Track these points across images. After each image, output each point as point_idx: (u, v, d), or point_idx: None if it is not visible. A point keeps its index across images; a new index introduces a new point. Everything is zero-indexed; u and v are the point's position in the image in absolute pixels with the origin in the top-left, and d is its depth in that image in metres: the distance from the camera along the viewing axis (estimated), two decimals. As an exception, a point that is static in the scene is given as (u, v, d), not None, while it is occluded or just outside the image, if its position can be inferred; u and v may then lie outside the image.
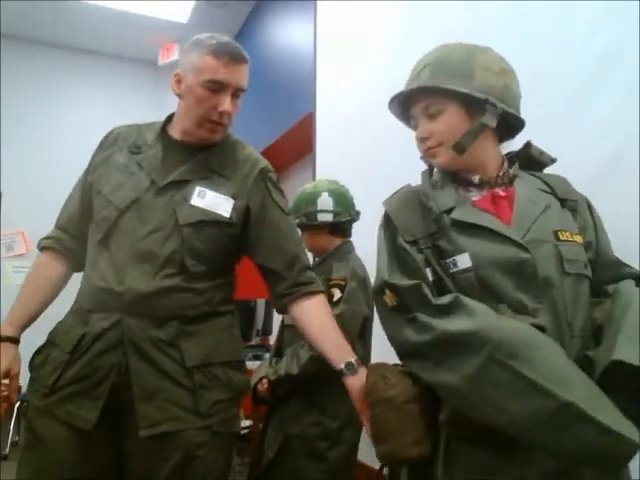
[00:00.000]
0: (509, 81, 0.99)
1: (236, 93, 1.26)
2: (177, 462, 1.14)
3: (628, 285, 0.93)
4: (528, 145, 1.04)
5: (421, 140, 1.01)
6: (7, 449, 3.43)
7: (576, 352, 0.88)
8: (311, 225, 1.87)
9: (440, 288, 0.92)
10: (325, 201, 1.86)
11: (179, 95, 1.30)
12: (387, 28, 2.60)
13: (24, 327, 1.29)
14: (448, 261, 0.91)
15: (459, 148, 0.96)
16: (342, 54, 3.04)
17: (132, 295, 1.17)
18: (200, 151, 1.29)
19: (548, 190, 1.00)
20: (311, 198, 1.88)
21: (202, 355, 1.20)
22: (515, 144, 1.07)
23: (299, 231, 1.76)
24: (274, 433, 1.78)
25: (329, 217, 1.85)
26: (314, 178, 3.13)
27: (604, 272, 0.97)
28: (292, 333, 1.83)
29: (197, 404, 1.17)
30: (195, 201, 1.23)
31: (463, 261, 0.90)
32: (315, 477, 1.68)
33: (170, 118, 1.37)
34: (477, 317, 0.82)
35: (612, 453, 0.72)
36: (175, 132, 1.32)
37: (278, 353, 1.88)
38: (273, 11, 4.37)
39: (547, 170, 1.08)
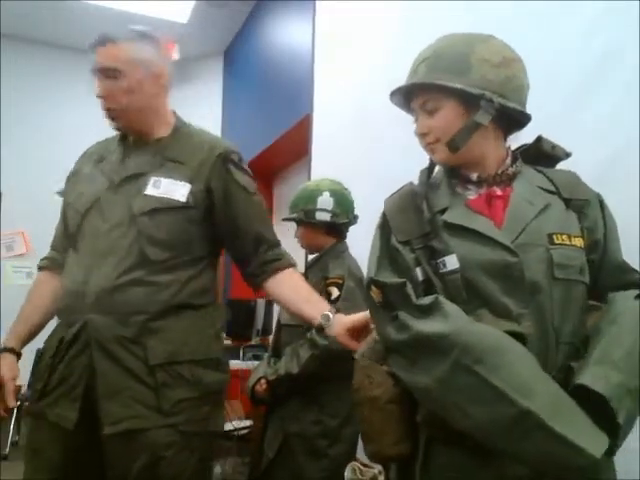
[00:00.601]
0: (512, 72, 0.93)
1: (105, 74, 1.26)
2: (145, 463, 1.15)
3: (625, 297, 0.89)
4: (539, 139, 1.01)
5: (420, 136, 0.99)
6: (7, 449, 3.43)
7: (563, 359, 0.86)
8: (308, 222, 1.87)
9: (429, 288, 0.92)
10: (326, 200, 1.86)
11: None
12: (385, 29, 2.60)
13: (25, 342, 1.35)
14: (438, 262, 0.91)
15: (453, 146, 0.94)
16: (340, 55, 3.04)
17: (96, 293, 1.19)
18: (153, 144, 1.33)
19: (552, 189, 0.95)
20: (312, 196, 1.88)
21: (166, 353, 1.20)
22: (522, 139, 1.07)
23: (294, 225, 1.79)
24: (274, 433, 1.78)
25: (327, 217, 1.86)
26: (309, 180, 3.13)
27: (609, 276, 0.93)
28: (290, 333, 1.83)
29: (160, 402, 1.17)
30: (150, 191, 1.25)
31: (451, 262, 0.90)
32: (316, 475, 1.68)
33: None
34: (450, 320, 0.83)
35: (568, 463, 0.73)
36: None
37: (276, 353, 1.88)
38: (273, 11, 4.37)
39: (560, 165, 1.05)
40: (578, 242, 0.91)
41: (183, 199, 1.25)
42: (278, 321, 1.93)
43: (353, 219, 1.94)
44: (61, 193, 1.43)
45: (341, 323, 1.22)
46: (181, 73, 6.73)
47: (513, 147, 1.04)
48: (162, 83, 1.33)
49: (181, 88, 5.61)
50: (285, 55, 4.10)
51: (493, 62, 0.92)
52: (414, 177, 1.10)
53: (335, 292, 1.73)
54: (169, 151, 1.31)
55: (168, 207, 1.24)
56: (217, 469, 2.91)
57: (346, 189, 1.96)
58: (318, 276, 1.83)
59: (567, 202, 0.95)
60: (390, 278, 0.93)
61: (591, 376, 0.77)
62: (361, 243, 2.01)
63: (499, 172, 0.97)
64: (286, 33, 4.14)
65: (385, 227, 1.00)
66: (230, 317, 3.63)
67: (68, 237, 1.33)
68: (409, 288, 0.90)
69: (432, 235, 0.93)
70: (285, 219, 1.97)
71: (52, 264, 1.42)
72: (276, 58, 4.27)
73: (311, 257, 2.01)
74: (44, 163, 4.98)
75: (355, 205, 1.97)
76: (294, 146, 4.01)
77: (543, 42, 1.65)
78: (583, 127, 1.48)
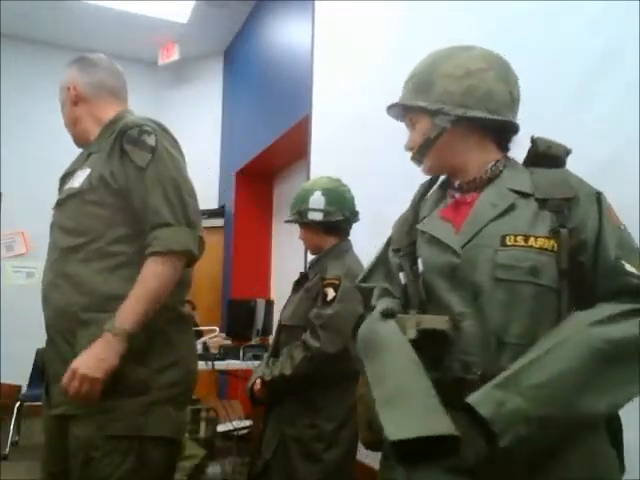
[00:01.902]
0: (476, 81, 0.98)
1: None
2: (81, 460, 1.19)
3: (579, 322, 0.84)
4: (533, 141, 1.02)
5: (407, 149, 1.07)
6: (7, 449, 3.42)
7: (509, 359, 0.87)
8: (303, 223, 1.89)
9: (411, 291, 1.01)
10: (317, 200, 1.86)
11: None
12: (385, 30, 2.60)
13: None
14: (414, 267, 1.00)
15: (414, 160, 1.03)
16: (340, 55, 3.04)
17: (43, 288, 1.32)
18: (90, 144, 1.42)
19: (526, 191, 0.95)
20: (305, 196, 1.89)
21: (92, 343, 1.17)
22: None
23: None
24: (271, 434, 1.78)
25: (319, 216, 1.85)
26: (309, 179, 3.14)
27: (603, 279, 0.89)
28: (289, 333, 1.83)
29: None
30: (67, 185, 1.35)
31: (420, 266, 0.98)
32: (311, 478, 1.68)
33: None
34: (367, 318, 0.99)
35: (388, 446, 0.80)
36: None
37: (275, 353, 1.88)
38: (273, 11, 4.37)
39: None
40: (541, 243, 0.90)
41: (78, 185, 1.29)
42: (279, 322, 1.93)
43: (352, 216, 1.92)
44: None
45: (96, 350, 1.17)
46: (181, 73, 6.75)
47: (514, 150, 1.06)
48: (73, 94, 1.46)
49: (181, 88, 5.64)
50: (285, 55, 4.10)
51: (456, 75, 0.98)
52: (413, 177, 1.13)
53: (331, 293, 1.73)
54: (94, 146, 1.38)
55: (67, 195, 1.31)
56: (217, 469, 2.91)
57: (344, 186, 1.94)
58: (317, 276, 1.83)
59: (543, 202, 0.94)
60: (380, 282, 1.06)
61: (483, 396, 0.80)
62: (362, 242, 2.02)
63: (472, 179, 1.02)
64: (286, 33, 4.14)
65: (389, 237, 1.11)
66: (230, 317, 3.63)
67: None
68: (376, 292, 1.03)
69: (415, 243, 1.03)
70: (286, 221, 1.99)
71: None
72: (276, 58, 4.27)
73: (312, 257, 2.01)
74: (44, 163, 4.98)
75: (355, 204, 1.97)
76: (294, 146, 4.01)
77: (543, 42, 1.65)
78: (583, 127, 1.48)
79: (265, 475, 1.75)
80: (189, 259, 1.26)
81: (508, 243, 0.90)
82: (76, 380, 1.14)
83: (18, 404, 3.61)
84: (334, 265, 1.80)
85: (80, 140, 1.46)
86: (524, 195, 0.95)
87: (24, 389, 3.90)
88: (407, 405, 0.81)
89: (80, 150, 1.47)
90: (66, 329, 1.24)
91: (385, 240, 1.12)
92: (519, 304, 0.88)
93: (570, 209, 0.92)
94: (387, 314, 0.99)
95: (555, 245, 0.90)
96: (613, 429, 0.91)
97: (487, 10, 1.90)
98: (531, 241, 0.90)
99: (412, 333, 0.91)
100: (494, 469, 0.83)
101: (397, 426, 0.78)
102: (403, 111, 1.08)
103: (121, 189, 1.25)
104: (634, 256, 0.89)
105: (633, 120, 1.34)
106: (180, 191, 1.26)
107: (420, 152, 1.01)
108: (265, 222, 5.06)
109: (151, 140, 1.27)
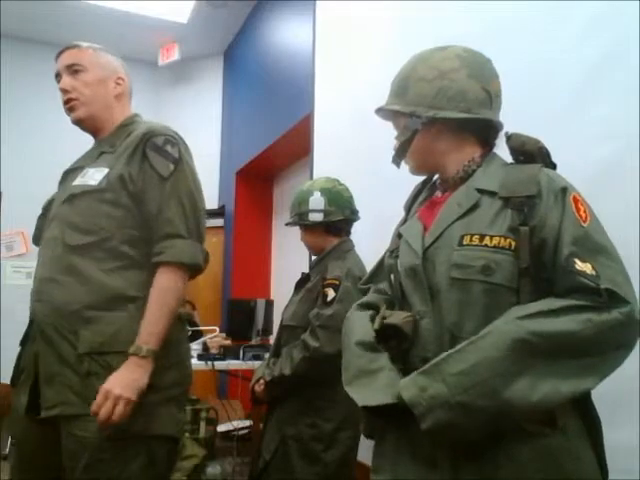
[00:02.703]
0: (447, 82, 0.99)
1: (68, 70, 1.41)
2: (86, 461, 1.16)
3: (507, 316, 0.85)
4: (508, 137, 1.01)
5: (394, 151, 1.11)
6: (7, 449, 3.42)
7: None
8: (305, 224, 1.88)
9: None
10: (317, 200, 1.87)
11: None
12: (386, 29, 2.60)
13: None
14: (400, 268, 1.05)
15: (393, 161, 1.06)
16: (341, 55, 3.03)
17: (38, 284, 1.28)
18: (100, 140, 1.41)
19: (492, 189, 0.95)
20: (304, 197, 1.89)
21: (96, 343, 1.20)
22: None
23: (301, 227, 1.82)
24: (271, 434, 1.78)
25: (319, 217, 1.86)
26: (311, 180, 3.14)
27: (557, 278, 0.88)
28: (289, 333, 1.84)
29: (85, 391, 1.18)
30: (77, 181, 1.32)
31: (399, 267, 1.04)
32: (310, 478, 1.68)
33: None
34: (348, 314, 1.11)
35: (364, 416, 1.00)
36: None
37: (276, 353, 1.88)
38: (273, 11, 4.37)
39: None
40: (496, 242, 0.89)
41: (95, 182, 1.28)
42: (281, 322, 1.93)
43: (352, 215, 1.92)
44: None
45: (124, 374, 1.20)
46: (181, 73, 6.74)
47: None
48: (120, 89, 1.44)
49: (181, 88, 5.64)
50: (285, 55, 4.10)
51: (428, 78, 1.01)
52: (416, 176, 1.13)
53: (331, 293, 1.74)
54: (106, 144, 1.37)
55: (82, 192, 1.28)
56: (217, 469, 2.91)
57: (342, 185, 1.94)
58: (317, 277, 1.84)
59: (506, 201, 0.93)
60: (379, 283, 1.14)
61: (408, 382, 0.88)
62: (364, 242, 2.02)
63: (444, 178, 1.05)
64: (286, 33, 4.14)
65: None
66: (230, 317, 3.63)
67: None
68: (371, 291, 1.14)
69: None
70: (287, 224, 1.99)
71: None
72: (276, 58, 4.27)
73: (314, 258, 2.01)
74: (44, 163, 4.98)
75: (358, 203, 1.97)
76: (294, 146, 4.01)
77: (543, 42, 1.65)
78: (584, 128, 1.48)
79: (265, 475, 1.75)
80: (195, 272, 1.31)
81: (464, 243, 0.92)
82: (110, 401, 1.14)
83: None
84: (335, 265, 1.80)
85: (87, 124, 1.41)
86: (490, 194, 0.95)
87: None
88: (369, 383, 0.93)
89: (73, 146, 1.53)
90: (66, 327, 1.21)
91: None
92: (472, 302, 0.90)
93: (532, 207, 0.90)
94: (363, 306, 1.09)
95: (513, 244, 0.89)
96: (590, 430, 0.90)
97: (486, 11, 1.90)
98: (486, 240, 0.90)
99: (377, 324, 1.00)
100: (450, 461, 0.87)
101: (363, 397, 0.92)
102: (389, 113, 1.11)
103: (137, 193, 1.28)
104: (596, 256, 0.86)
105: (633, 122, 1.34)
106: (196, 206, 1.31)
107: (397, 154, 1.05)
108: (265, 222, 5.06)
109: (175, 151, 1.31)
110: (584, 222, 0.89)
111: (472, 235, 0.92)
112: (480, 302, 0.89)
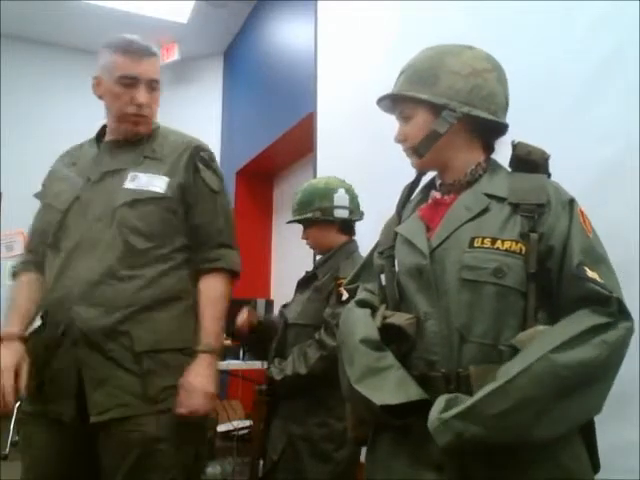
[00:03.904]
0: (481, 81, 0.99)
1: (150, 85, 1.35)
2: (137, 454, 1.17)
3: (541, 344, 0.83)
4: (514, 145, 1.02)
5: (397, 142, 1.08)
6: (7, 449, 3.42)
7: (472, 357, 0.89)
8: (323, 220, 1.87)
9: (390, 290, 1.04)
10: (342, 197, 1.88)
11: (100, 97, 1.39)
12: (388, 28, 2.60)
13: (26, 327, 1.34)
14: (393, 268, 1.03)
15: (417, 153, 1.03)
16: (343, 54, 3.03)
17: (81, 287, 1.23)
18: (131, 144, 1.38)
19: (501, 195, 0.96)
20: (327, 193, 1.88)
21: (152, 341, 1.23)
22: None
23: (306, 226, 1.83)
24: (277, 435, 1.76)
25: (345, 213, 1.87)
26: (314, 178, 3.13)
27: (566, 286, 0.89)
28: (298, 332, 1.82)
29: (146, 389, 1.19)
30: (128, 184, 1.31)
31: (396, 267, 1.02)
32: (322, 478, 1.67)
33: (105, 127, 1.46)
34: (344, 313, 1.09)
35: (370, 410, 0.91)
36: (108, 135, 1.42)
37: (279, 353, 1.86)
38: (273, 11, 4.37)
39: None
40: (507, 245, 0.91)
41: (161, 190, 1.31)
42: (285, 321, 1.92)
43: (361, 216, 1.95)
44: (38, 195, 1.47)
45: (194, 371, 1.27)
46: (181, 73, 6.75)
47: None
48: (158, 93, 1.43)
49: (181, 88, 5.64)
50: (285, 55, 4.10)
51: (462, 73, 0.99)
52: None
53: (346, 292, 1.73)
54: (147, 149, 1.37)
55: (148, 198, 1.30)
56: (217, 469, 2.91)
57: (351, 186, 1.97)
58: (327, 275, 1.82)
59: (515, 207, 0.94)
60: (365, 283, 1.13)
61: (443, 426, 0.82)
62: (365, 242, 2.01)
63: (451, 182, 1.03)
64: (287, 33, 4.14)
65: (378, 241, 1.15)
66: (230, 317, 3.62)
67: (48, 236, 1.34)
68: (359, 290, 1.13)
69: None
70: (296, 220, 1.93)
71: (28, 266, 1.41)
72: (276, 58, 4.27)
73: (319, 256, 2.01)
74: (44, 163, 4.97)
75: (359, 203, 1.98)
76: (294, 146, 4.01)
77: (544, 43, 1.65)
78: (585, 129, 1.48)
79: (273, 476, 1.74)
80: (234, 280, 1.42)
81: (475, 245, 0.92)
82: (198, 397, 1.21)
83: (18, 404, 3.62)
84: (346, 264, 1.79)
85: (135, 134, 1.38)
86: (498, 199, 0.96)
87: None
88: (379, 381, 0.91)
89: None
90: (116, 329, 1.21)
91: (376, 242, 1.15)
92: (483, 304, 0.90)
93: (541, 214, 0.92)
94: (361, 303, 1.07)
95: (524, 249, 0.90)
96: (584, 427, 0.91)
97: (488, 11, 1.90)
98: (498, 243, 0.91)
99: (378, 323, 0.99)
100: (457, 465, 0.86)
101: (380, 396, 0.88)
102: (394, 102, 1.07)
103: (189, 202, 1.35)
104: (600, 265, 0.89)
105: (634, 124, 1.34)
106: (233, 220, 1.45)
107: (425, 145, 1.01)
108: (265, 222, 5.05)
109: (217, 168, 1.43)
110: (590, 233, 0.92)
111: (483, 238, 0.92)
112: (490, 304, 0.90)
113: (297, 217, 1.92)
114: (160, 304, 1.26)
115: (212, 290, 1.33)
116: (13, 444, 3.47)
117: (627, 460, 1.14)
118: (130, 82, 1.32)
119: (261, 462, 1.86)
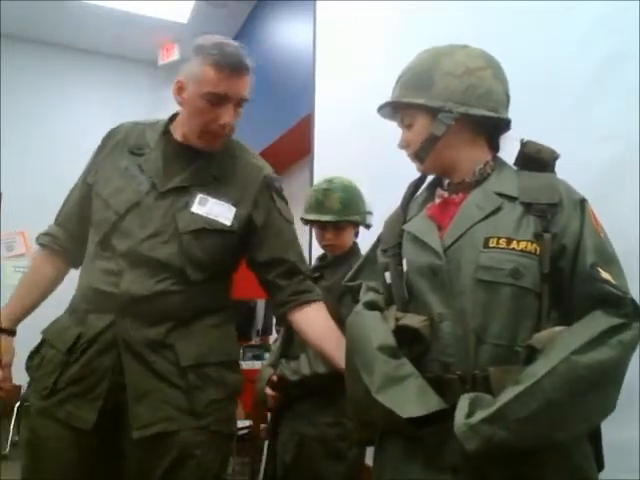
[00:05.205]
0: (476, 80, 0.98)
1: (238, 103, 1.27)
2: (173, 460, 1.14)
3: (565, 345, 0.83)
4: (524, 144, 1.02)
5: (401, 148, 1.08)
6: (7, 449, 3.43)
7: (488, 359, 0.89)
8: (351, 223, 1.84)
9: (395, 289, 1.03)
10: (367, 202, 1.88)
11: (180, 103, 1.29)
12: (387, 29, 2.60)
13: (19, 320, 1.36)
14: (398, 267, 1.02)
15: (417, 158, 1.03)
16: (342, 55, 3.03)
17: (127, 298, 1.17)
18: (202, 156, 1.29)
19: (512, 194, 0.96)
20: (362, 198, 1.87)
21: (196, 355, 1.20)
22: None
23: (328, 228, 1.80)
24: (288, 436, 1.75)
25: (371, 219, 1.87)
26: (311, 180, 3.12)
27: (580, 286, 0.90)
28: None
29: (192, 404, 1.17)
30: (196, 208, 1.23)
31: (404, 266, 1.00)
32: (336, 478, 1.66)
33: (173, 117, 1.36)
34: (352, 312, 1.04)
35: (392, 421, 0.88)
36: (177, 134, 1.31)
37: (285, 353, 1.83)
38: (273, 11, 4.37)
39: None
40: (523, 246, 0.90)
41: (228, 222, 1.25)
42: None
43: None
44: (87, 174, 1.35)
45: None
46: (181, 73, 6.55)
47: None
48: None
49: (181, 88, 5.63)
50: (285, 55, 4.10)
51: (456, 73, 0.98)
52: (417, 175, 1.13)
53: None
54: (216, 168, 1.29)
55: (214, 229, 1.23)
56: (217, 469, 2.91)
57: None
58: (338, 276, 1.75)
59: (528, 207, 0.94)
60: (368, 280, 1.11)
61: (470, 432, 0.81)
62: (365, 242, 2.01)
63: (460, 181, 1.02)
64: (286, 33, 4.14)
65: (378, 237, 1.13)
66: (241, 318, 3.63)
67: (94, 229, 1.27)
68: (362, 289, 1.09)
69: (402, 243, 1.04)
70: (345, 220, 1.82)
71: (54, 244, 1.37)
72: (275, 58, 4.27)
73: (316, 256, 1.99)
74: (44, 163, 4.98)
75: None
76: (293, 146, 4.01)
77: (544, 44, 1.65)
78: (585, 129, 1.48)
79: (286, 478, 1.73)
80: None
81: (491, 245, 0.91)
82: None
83: (18, 404, 3.62)
84: None
85: (209, 148, 1.29)
86: (510, 198, 0.95)
87: (24, 389, 3.91)
88: (401, 390, 0.88)
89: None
90: (160, 342, 1.18)
91: (377, 238, 1.14)
92: (499, 305, 0.89)
93: (554, 214, 0.92)
94: (371, 306, 1.03)
95: (538, 249, 0.90)
96: None
97: (487, 12, 1.90)
98: (513, 244, 0.90)
99: (392, 325, 0.96)
100: (473, 467, 0.86)
101: (404, 407, 0.86)
102: (394, 109, 1.07)
103: (259, 235, 1.30)
104: (612, 266, 0.89)
105: (634, 124, 1.34)
106: None
107: (424, 149, 1.01)
108: (265, 222, 5.05)
109: (285, 197, 1.39)
110: (601, 234, 0.93)
111: (499, 238, 0.91)
112: (507, 305, 0.89)
113: (344, 218, 1.81)
114: (201, 317, 1.24)
115: (326, 320, 1.30)
116: (13, 444, 3.47)
117: (627, 460, 1.14)
118: (218, 100, 1.21)
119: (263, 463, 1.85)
